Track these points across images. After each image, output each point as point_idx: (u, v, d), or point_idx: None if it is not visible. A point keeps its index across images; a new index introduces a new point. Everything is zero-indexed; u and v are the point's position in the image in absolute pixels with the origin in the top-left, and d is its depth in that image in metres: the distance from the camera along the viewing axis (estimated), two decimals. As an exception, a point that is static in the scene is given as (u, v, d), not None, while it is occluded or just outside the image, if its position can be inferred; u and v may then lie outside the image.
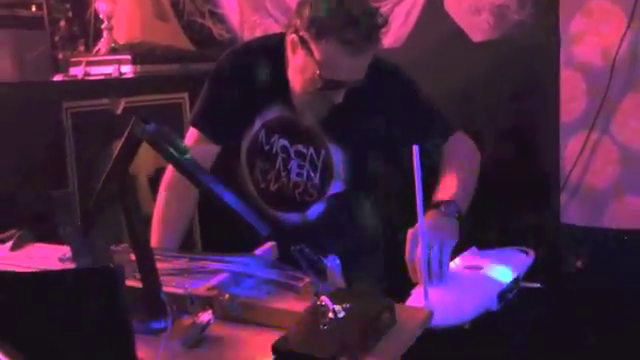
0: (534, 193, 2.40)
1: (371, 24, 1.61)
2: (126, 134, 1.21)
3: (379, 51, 1.72)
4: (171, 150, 1.18)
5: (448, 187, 1.68)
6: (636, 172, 2.22)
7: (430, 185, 1.67)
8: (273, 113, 1.82)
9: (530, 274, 1.55)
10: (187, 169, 1.18)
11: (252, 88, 1.80)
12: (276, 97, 1.80)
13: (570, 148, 2.32)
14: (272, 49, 1.79)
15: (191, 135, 1.88)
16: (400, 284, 1.49)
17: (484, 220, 2.34)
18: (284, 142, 1.84)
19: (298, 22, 1.66)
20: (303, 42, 1.65)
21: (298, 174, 1.84)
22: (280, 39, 1.77)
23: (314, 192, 1.85)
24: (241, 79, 1.81)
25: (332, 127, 1.80)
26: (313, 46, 1.63)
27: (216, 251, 1.48)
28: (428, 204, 1.61)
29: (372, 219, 1.86)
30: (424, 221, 1.37)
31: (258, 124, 1.84)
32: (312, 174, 1.84)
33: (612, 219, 2.27)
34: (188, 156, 1.18)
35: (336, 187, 1.85)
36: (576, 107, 2.30)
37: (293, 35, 1.68)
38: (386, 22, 1.67)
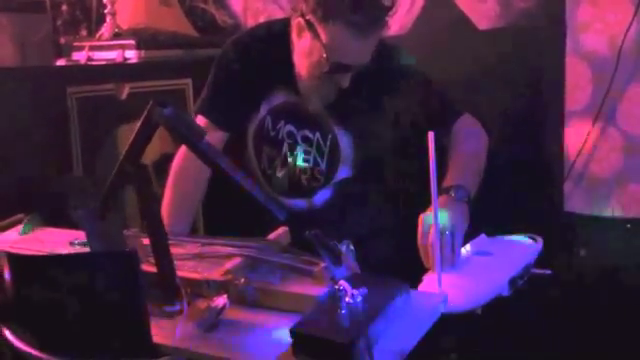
0: (538, 181, 2.41)
1: (378, 7, 1.62)
2: (143, 118, 1.21)
3: (385, 37, 1.73)
4: (188, 133, 1.18)
5: (457, 172, 1.68)
6: (640, 161, 2.23)
7: (439, 168, 1.68)
8: (279, 99, 1.83)
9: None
10: (205, 153, 1.18)
11: (257, 74, 1.80)
12: (282, 83, 1.81)
13: (575, 136, 2.32)
14: (277, 34, 1.79)
15: (199, 123, 1.87)
16: (411, 270, 1.49)
17: (488, 208, 2.36)
18: (290, 128, 1.84)
19: (304, 6, 1.66)
20: (309, 25, 1.65)
21: (305, 159, 1.85)
22: (285, 24, 1.78)
23: (321, 177, 1.85)
24: (246, 65, 1.82)
25: (339, 112, 1.81)
26: (320, 29, 1.64)
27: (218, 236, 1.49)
28: (438, 189, 1.62)
29: (381, 205, 1.86)
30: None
31: (264, 110, 1.84)
32: (319, 159, 1.84)
33: (616, 207, 2.28)
34: (205, 140, 1.18)
35: (343, 172, 1.85)
36: (581, 96, 2.30)
37: (299, 19, 1.68)
38: (393, 5, 1.67)
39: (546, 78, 2.37)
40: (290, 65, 1.76)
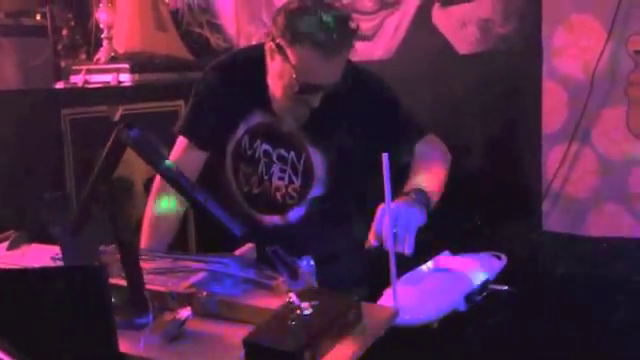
0: (517, 201, 2.47)
1: (343, 29, 1.68)
2: (112, 139, 1.28)
3: (370, 62, 1.80)
4: (152, 154, 1.26)
5: (417, 182, 1.73)
6: (615, 182, 2.29)
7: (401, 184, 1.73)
8: (255, 119, 1.90)
9: (509, 280, 1.61)
10: (166, 173, 1.26)
11: (235, 96, 1.87)
12: (258, 104, 1.87)
13: (552, 157, 2.39)
14: (253, 59, 1.86)
15: (180, 143, 1.95)
16: (380, 285, 1.54)
17: (467, 227, 2.42)
18: (266, 147, 1.91)
19: (274, 30, 1.74)
20: (279, 48, 1.72)
21: (280, 178, 1.92)
22: (262, 49, 1.84)
23: (295, 195, 1.91)
24: (224, 88, 1.89)
25: (311, 131, 1.87)
26: (289, 51, 1.71)
27: (211, 251, 1.56)
28: (399, 194, 1.67)
29: (353, 221, 1.92)
30: (392, 202, 1.46)
31: (242, 130, 1.92)
32: (294, 178, 1.91)
33: (592, 227, 2.34)
34: (168, 161, 1.26)
35: (317, 190, 1.91)
36: (557, 118, 2.37)
37: (270, 43, 1.75)
38: (358, 28, 1.73)
39: (524, 101, 2.43)
40: (266, 87, 1.83)
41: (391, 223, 1.47)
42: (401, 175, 1.71)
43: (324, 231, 1.89)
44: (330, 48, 1.67)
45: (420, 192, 1.66)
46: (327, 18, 1.66)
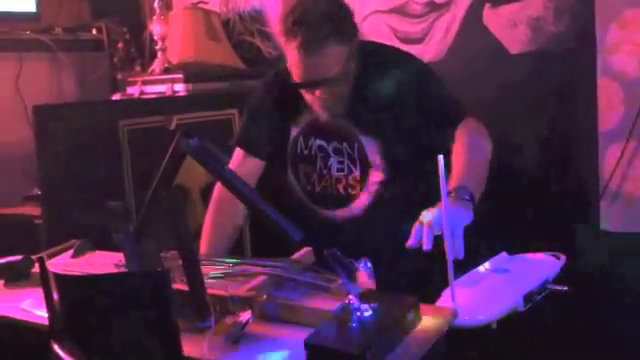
0: (574, 201, 2.44)
1: (316, 27, 1.70)
2: (171, 148, 1.32)
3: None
4: (212, 162, 1.29)
5: (459, 174, 1.70)
6: (674, 179, 2.25)
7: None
8: (305, 118, 1.96)
9: (568, 280, 1.59)
10: (227, 179, 1.29)
11: (283, 105, 1.95)
12: (302, 105, 1.92)
13: (608, 156, 2.35)
14: None
15: (237, 154, 2.03)
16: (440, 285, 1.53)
17: (525, 228, 2.40)
18: (320, 142, 1.96)
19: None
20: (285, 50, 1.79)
21: (339, 169, 1.95)
22: None
23: (356, 184, 1.94)
24: (272, 100, 1.98)
25: (355, 120, 1.91)
26: (286, 52, 1.78)
27: (266, 256, 1.59)
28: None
29: (417, 210, 1.89)
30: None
31: (295, 132, 1.99)
32: (352, 167, 1.94)
33: (652, 226, 2.30)
34: (227, 167, 1.29)
35: (376, 177, 1.93)
36: (613, 116, 2.33)
37: None
38: (339, 21, 1.74)
39: (579, 99, 2.40)
40: None
41: (434, 226, 1.47)
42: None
43: (390, 221, 1.88)
44: (309, 45, 1.71)
45: (463, 189, 1.63)
46: (305, 16, 1.71)
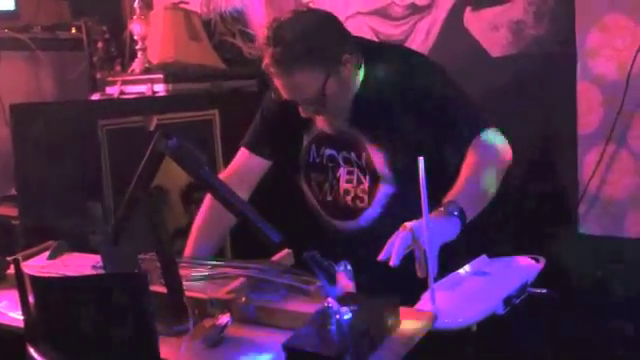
0: (553, 204, 2.46)
1: (292, 45, 1.68)
2: (150, 148, 1.31)
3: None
4: (191, 163, 1.28)
5: (456, 189, 1.66)
6: (653, 183, 2.26)
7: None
8: (315, 129, 1.94)
9: (545, 283, 1.60)
10: (205, 180, 1.28)
11: (294, 112, 1.86)
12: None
13: (587, 159, 2.36)
14: None
15: (242, 153, 2.02)
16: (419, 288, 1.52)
17: (503, 231, 2.41)
18: (331, 151, 1.93)
19: None
20: None
21: (347, 180, 1.91)
22: None
23: (365, 196, 1.90)
24: (284, 106, 1.89)
25: (362, 130, 1.86)
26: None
27: (246, 258, 1.57)
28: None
29: None
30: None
31: (306, 141, 1.96)
32: (362, 178, 1.90)
33: (629, 229, 2.31)
34: (205, 168, 1.28)
35: (386, 189, 1.88)
36: (593, 119, 2.34)
37: None
38: (310, 48, 1.70)
39: (558, 102, 2.41)
40: None
41: (405, 241, 1.46)
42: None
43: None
44: (279, 67, 1.71)
45: (452, 204, 1.59)
46: (271, 41, 1.69)
